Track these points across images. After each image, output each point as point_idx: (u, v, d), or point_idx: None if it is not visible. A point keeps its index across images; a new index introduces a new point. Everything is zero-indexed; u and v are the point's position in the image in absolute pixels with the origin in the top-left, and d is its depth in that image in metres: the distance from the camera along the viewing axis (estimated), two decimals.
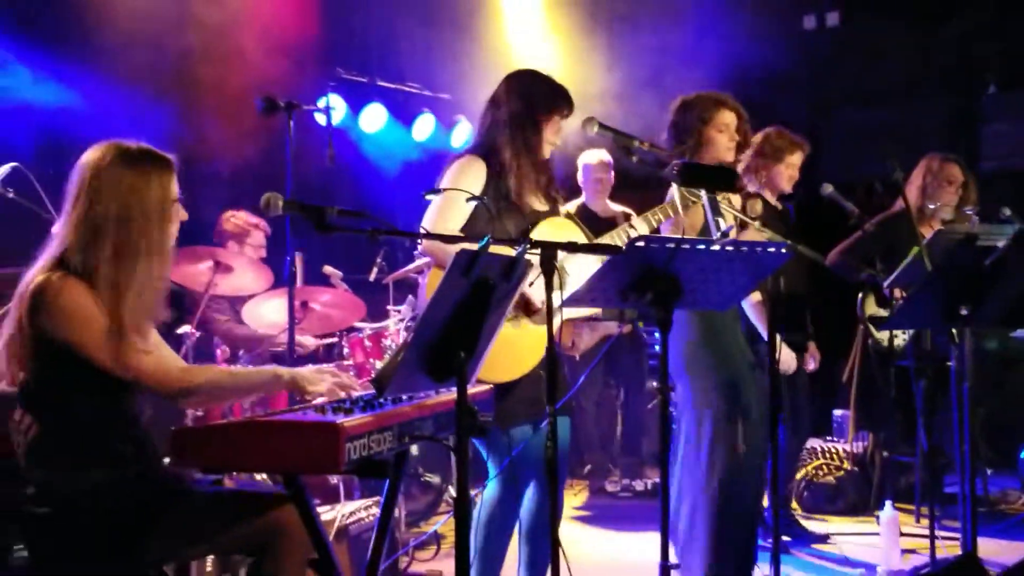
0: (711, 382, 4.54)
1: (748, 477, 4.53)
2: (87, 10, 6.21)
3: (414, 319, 6.00)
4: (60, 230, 3.18)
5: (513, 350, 3.94)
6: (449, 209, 4.01)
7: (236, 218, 6.22)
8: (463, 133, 8.55)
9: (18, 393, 3.11)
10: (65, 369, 3.04)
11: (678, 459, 4.63)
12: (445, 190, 4.03)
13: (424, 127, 8.59)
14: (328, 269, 6.41)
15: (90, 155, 3.19)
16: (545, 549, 4.06)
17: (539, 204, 4.19)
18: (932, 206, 6.19)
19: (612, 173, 7.34)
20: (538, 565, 4.12)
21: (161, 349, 3.30)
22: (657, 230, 4.35)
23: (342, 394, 3.24)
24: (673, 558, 3.76)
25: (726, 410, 4.50)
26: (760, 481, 4.67)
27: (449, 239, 3.75)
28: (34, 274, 3.09)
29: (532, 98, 4.13)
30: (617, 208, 7.36)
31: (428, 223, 4.02)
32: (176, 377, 3.11)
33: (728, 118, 4.65)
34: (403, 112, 8.50)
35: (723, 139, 4.63)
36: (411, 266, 6.14)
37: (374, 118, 8.26)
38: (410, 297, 6.35)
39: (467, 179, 4.05)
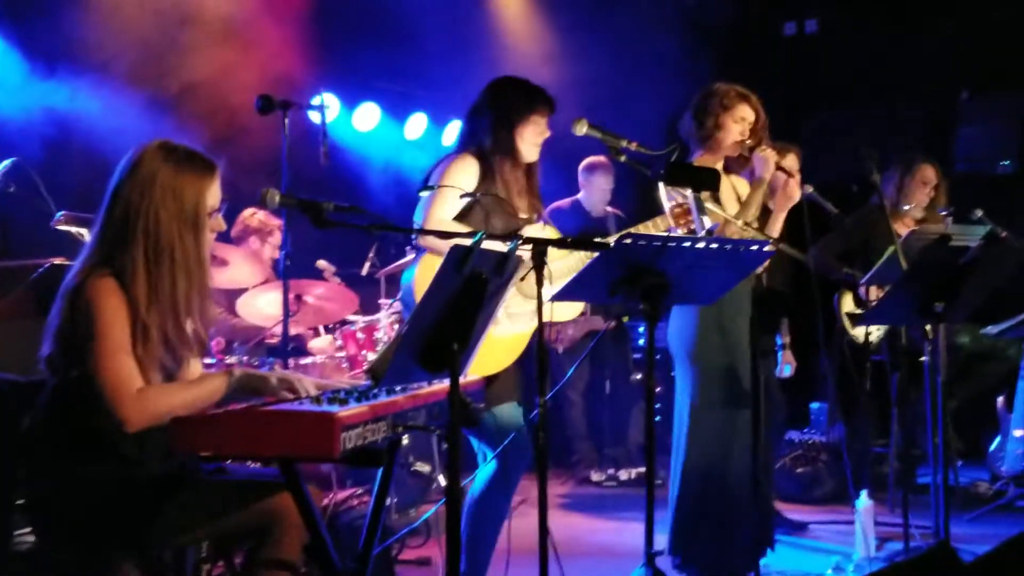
0: (714, 371, 4.64)
1: (737, 466, 4.60)
2: (84, 10, 6.27)
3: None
4: (97, 225, 3.10)
5: (492, 351, 4.04)
6: (442, 204, 4.13)
7: (260, 215, 6.36)
8: (455, 132, 8.63)
9: (42, 386, 3.08)
10: (81, 367, 2.96)
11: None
12: (440, 186, 4.14)
13: (416, 126, 8.70)
14: (322, 263, 6.52)
15: (134, 149, 3.10)
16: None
17: (523, 211, 4.31)
18: (906, 207, 6.35)
19: (611, 176, 7.49)
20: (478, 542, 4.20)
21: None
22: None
23: (291, 396, 3.12)
24: (660, 545, 3.88)
25: (722, 399, 4.60)
26: (755, 470, 4.65)
27: (443, 235, 3.86)
28: (76, 270, 3.03)
29: (508, 103, 4.26)
30: (609, 209, 7.53)
31: (421, 217, 4.13)
32: (131, 406, 2.92)
33: (747, 113, 4.78)
34: (397, 111, 8.58)
35: (736, 130, 4.76)
36: (402, 260, 6.25)
37: (368, 117, 8.33)
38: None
39: (461, 176, 4.17)
